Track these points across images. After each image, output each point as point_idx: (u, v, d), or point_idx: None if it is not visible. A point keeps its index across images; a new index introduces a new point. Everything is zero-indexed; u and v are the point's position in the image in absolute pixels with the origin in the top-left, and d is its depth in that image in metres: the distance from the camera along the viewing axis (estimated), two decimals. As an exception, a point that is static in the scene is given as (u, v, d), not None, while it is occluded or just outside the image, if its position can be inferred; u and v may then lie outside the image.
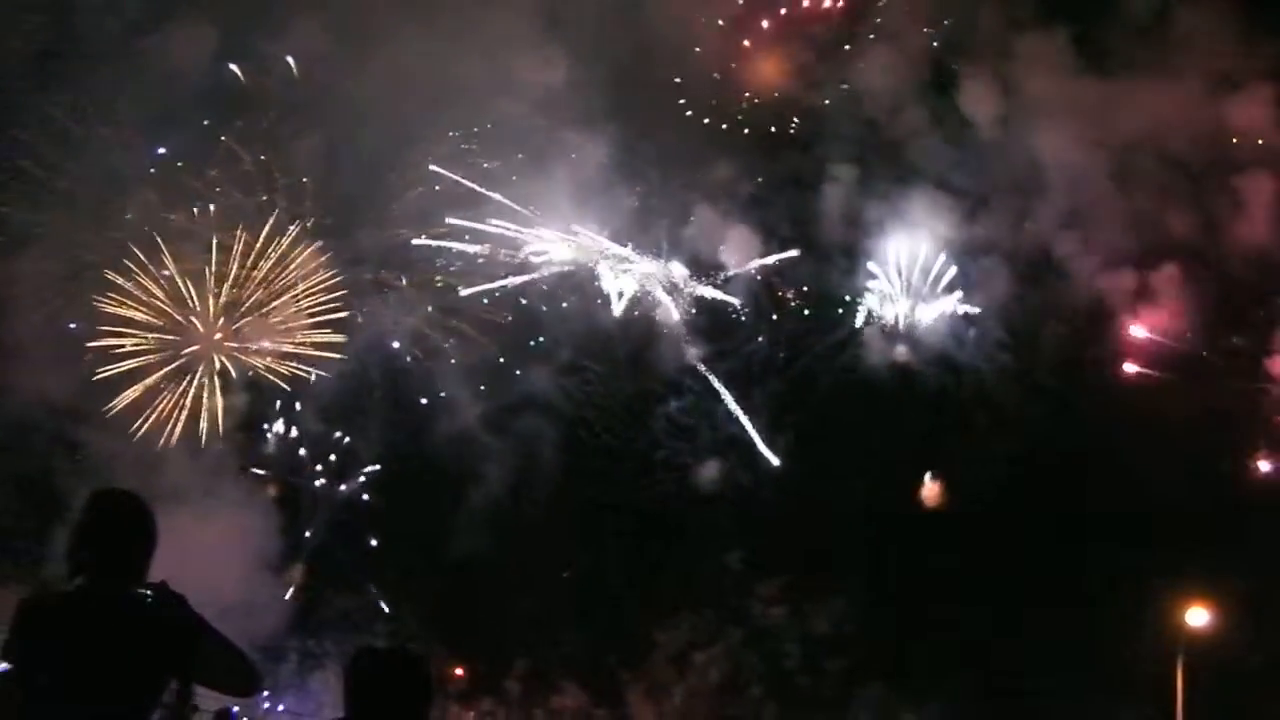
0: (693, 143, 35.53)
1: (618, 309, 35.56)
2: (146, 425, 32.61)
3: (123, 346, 32.53)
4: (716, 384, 35.96)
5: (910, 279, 35.57)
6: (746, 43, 36.22)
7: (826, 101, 35.67)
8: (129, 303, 32.60)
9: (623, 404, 36.32)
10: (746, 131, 35.95)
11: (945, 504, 35.34)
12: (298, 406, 35.11)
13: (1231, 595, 30.34)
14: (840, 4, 35.85)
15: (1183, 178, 33.31)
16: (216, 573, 25.30)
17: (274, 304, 33.71)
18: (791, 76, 36.01)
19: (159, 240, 32.63)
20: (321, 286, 33.74)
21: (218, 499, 31.41)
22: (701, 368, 36.02)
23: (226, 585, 26.28)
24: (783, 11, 35.98)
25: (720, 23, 35.99)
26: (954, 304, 35.43)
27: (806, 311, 36.74)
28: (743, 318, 36.38)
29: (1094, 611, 31.58)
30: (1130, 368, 34.57)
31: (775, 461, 35.86)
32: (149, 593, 6.17)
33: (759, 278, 36.19)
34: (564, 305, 35.71)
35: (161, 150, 33.19)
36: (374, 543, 36.05)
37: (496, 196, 34.27)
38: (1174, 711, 29.66)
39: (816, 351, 36.26)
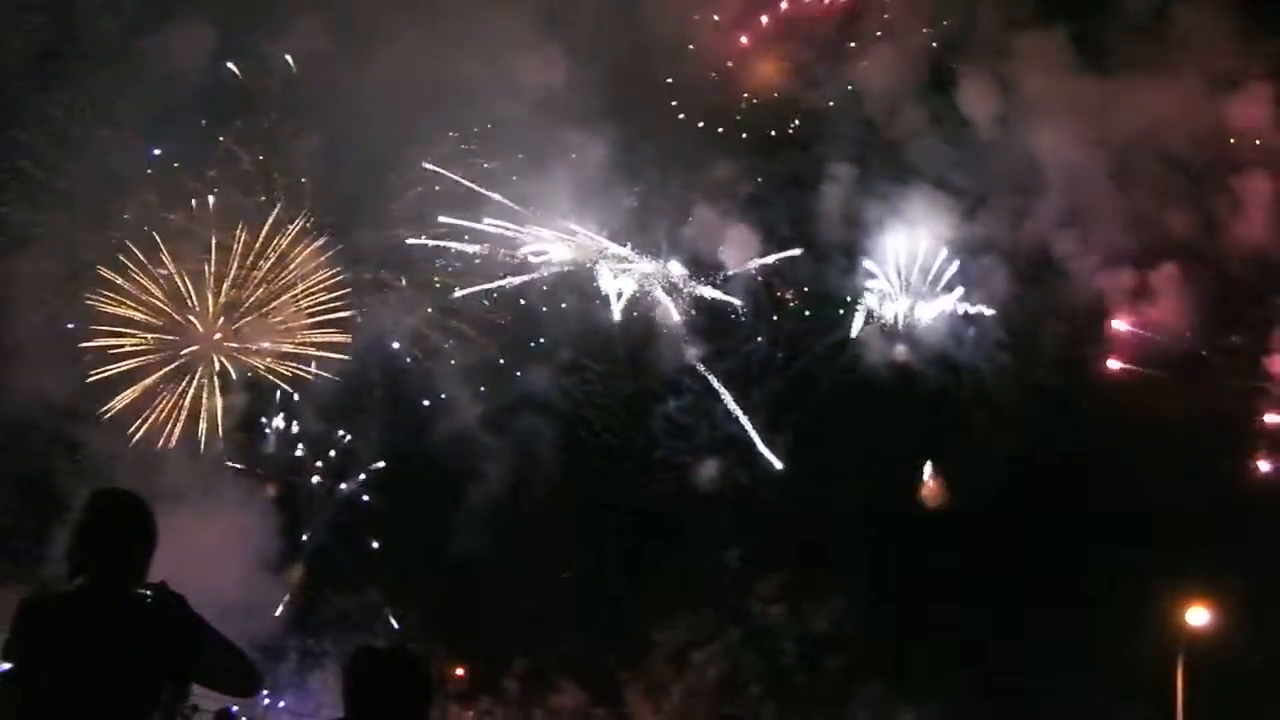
0: (692, 142, 35.57)
1: (617, 309, 35.58)
2: (146, 426, 32.63)
3: (122, 346, 32.54)
4: (715, 384, 35.99)
5: (909, 278, 35.60)
6: (744, 40, 36.24)
7: (830, 103, 35.71)
8: (128, 303, 32.62)
9: (622, 403, 36.35)
10: (745, 131, 35.98)
11: (945, 503, 35.32)
12: (296, 403, 35.13)
13: (1231, 595, 30.32)
14: (840, 3, 35.87)
15: (1181, 177, 33.35)
16: (216, 573, 25.31)
17: (274, 304, 33.73)
18: (791, 76, 36.04)
19: (158, 240, 32.65)
20: (321, 286, 33.77)
21: (217, 499, 31.41)
22: (700, 367, 36.05)
23: (226, 585, 26.29)
24: (783, 6, 36.00)
25: (717, 18, 36.04)
26: (953, 303, 35.43)
27: (807, 313, 36.74)
28: (743, 319, 36.41)
29: (1094, 611, 31.57)
30: (1114, 364, 34.61)
31: (778, 465, 35.89)
32: (149, 593, 6.17)
33: (759, 278, 36.24)
34: (562, 306, 35.75)
35: (161, 150, 33.21)
36: (373, 542, 36.04)
37: (496, 197, 34.31)
38: (1174, 711, 29.64)
39: (815, 351, 36.28)
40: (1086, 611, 31.55)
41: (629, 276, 35.63)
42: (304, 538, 35.44)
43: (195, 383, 33.29)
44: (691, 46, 35.64)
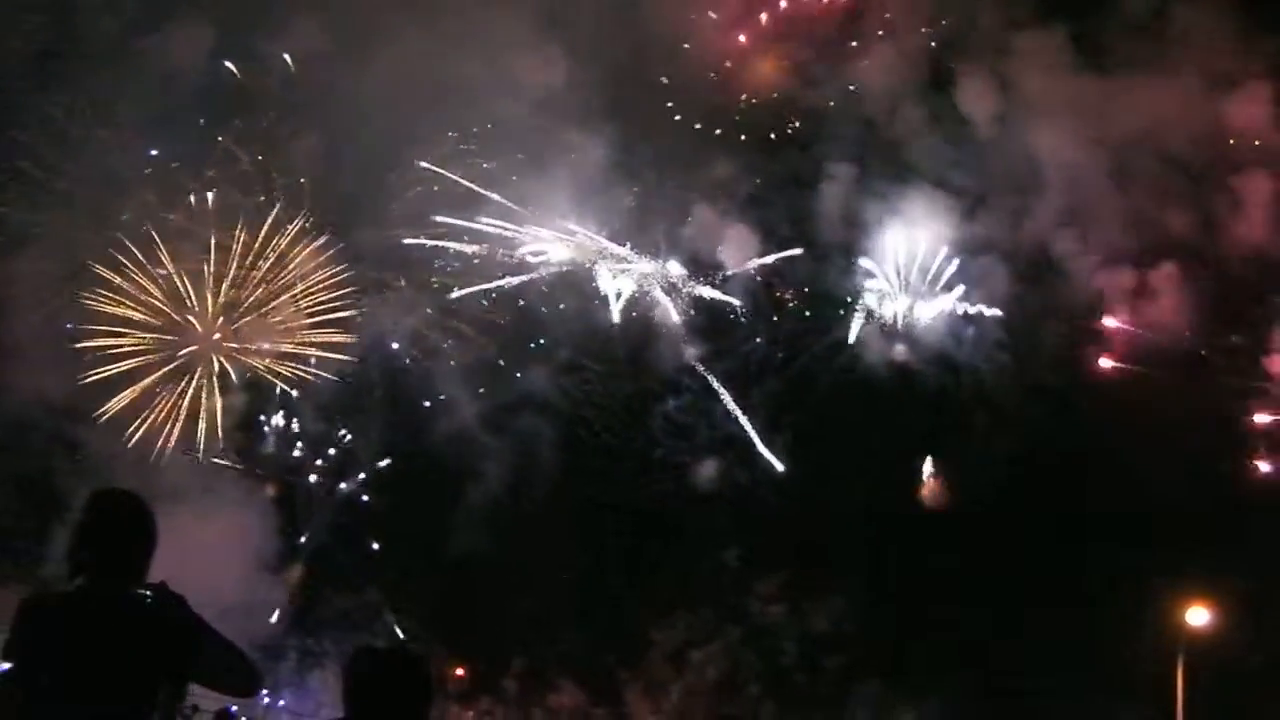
0: (691, 142, 35.57)
1: (616, 309, 35.58)
2: (145, 426, 32.63)
3: (121, 347, 32.53)
4: (715, 384, 35.99)
5: (909, 277, 35.60)
6: (743, 39, 36.23)
7: (830, 103, 35.69)
8: (127, 303, 32.61)
9: (621, 403, 36.34)
10: (744, 131, 35.98)
11: (945, 503, 35.32)
12: (296, 403, 35.13)
13: (1231, 595, 30.30)
14: (839, 2, 35.87)
15: (1181, 176, 33.36)
16: (216, 573, 25.32)
17: (273, 304, 33.73)
18: (790, 76, 36.04)
19: (157, 241, 32.64)
20: (321, 286, 33.77)
21: (217, 499, 31.41)
22: (700, 367, 36.05)
23: (226, 585, 26.29)
24: (782, 5, 36.00)
25: (714, 15, 36.02)
26: (953, 302, 35.43)
27: (808, 313, 36.73)
28: (742, 319, 36.41)
29: (1094, 611, 31.56)
30: (1106, 362, 34.64)
31: (780, 468, 35.90)
32: (149, 593, 6.16)
33: (758, 278, 36.25)
34: (560, 306, 35.75)
35: (160, 151, 33.18)
36: (373, 542, 36.04)
37: (495, 197, 34.31)
38: (1174, 711, 29.63)
39: (815, 351, 36.27)
40: (1086, 611, 31.54)
41: (628, 276, 35.65)
42: (302, 540, 35.46)
43: (194, 383, 33.31)
44: (691, 46, 35.64)
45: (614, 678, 36.33)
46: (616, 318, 35.66)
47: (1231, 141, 33.92)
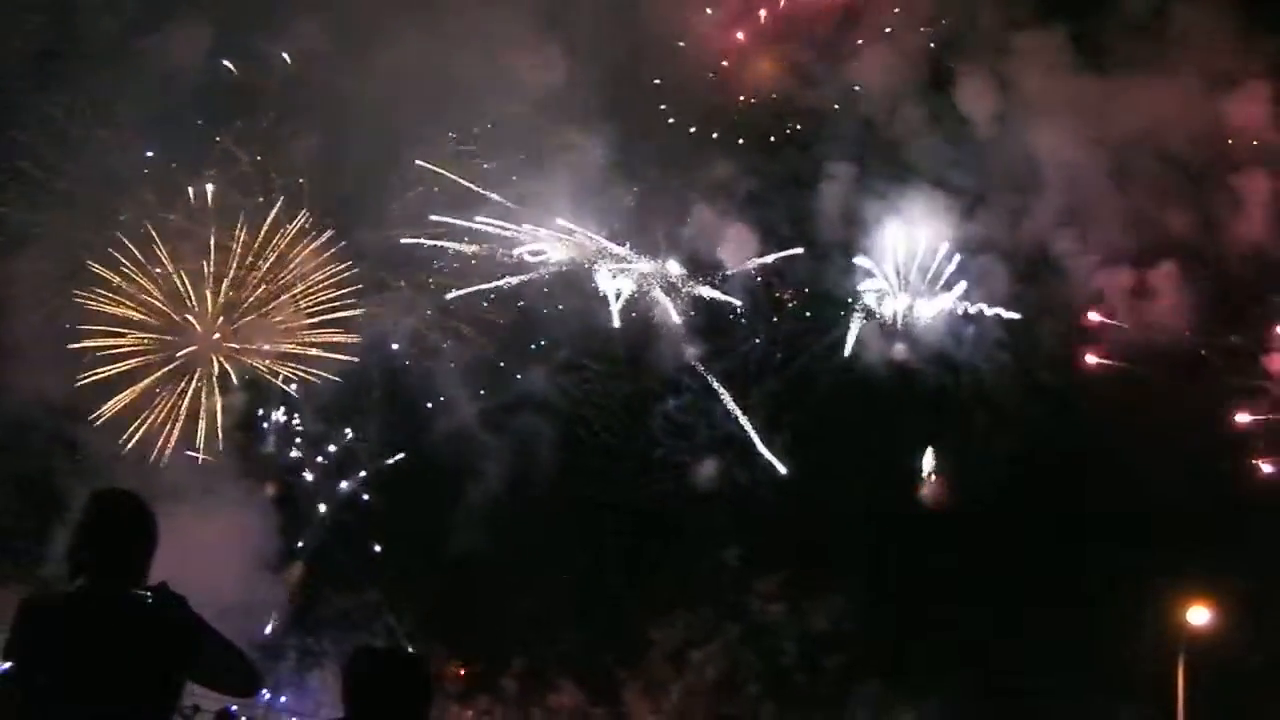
0: (690, 142, 35.57)
1: (615, 309, 35.58)
2: (145, 426, 32.63)
3: (121, 347, 32.53)
4: (714, 383, 36.00)
5: (908, 277, 35.60)
6: (742, 38, 36.21)
7: (829, 103, 35.67)
8: (127, 303, 32.61)
9: (621, 403, 36.34)
10: (744, 131, 35.98)
11: (944, 503, 35.32)
12: (296, 403, 35.14)
13: (1232, 595, 30.29)
14: (839, 1, 35.86)
15: (1180, 176, 33.36)
16: (216, 573, 25.31)
17: (273, 304, 33.74)
18: (789, 75, 36.02)
19: (156, 240, 32.64)
20: (321, 286, 33.77)
21: (217, 499, 31.41)
22: (699, 367, 36.05)
23: (226, 585, 26.29)
24: (781, 4, 36.00)
25: (710, 13, 35.99)
26: (952, 301, 35.43)
27: (807, 314, 36.73)
28: (743, 319, 36.41)
29: (1094, 611, 31.56)
30: (1092, 359, 34.67)
31: (782, 470, 35.90)
32: (149, 594, 6.16)
33: (757, 277, 36.24)
34: (559, 307, 35.76)
35: (159, 150, 33.18)
36: (372, 541, 36.05)
37: (494, 197, 34.30)
38: (1174, 711, 29.62)
39: (814, 350, 36.27)
40: (1086, 611, 31.54)
41: (627, 276, 35.65)
42: (300, 542, 35.45)
43: (194, 383, 33.31)
44: (689, 46, 35.61)
45: (613, 677, 36.32)
46: (616, 318, 35.68)
47: (1230, 141, 33.91)
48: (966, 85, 34.33)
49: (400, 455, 35.69)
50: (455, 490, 34.26)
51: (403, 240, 34.63)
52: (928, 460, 35.96)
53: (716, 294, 36.01)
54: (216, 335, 33.49)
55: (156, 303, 32.98)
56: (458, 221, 34.53)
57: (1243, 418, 33.76)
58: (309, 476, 35.93)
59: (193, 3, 32.28)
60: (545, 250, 35.11)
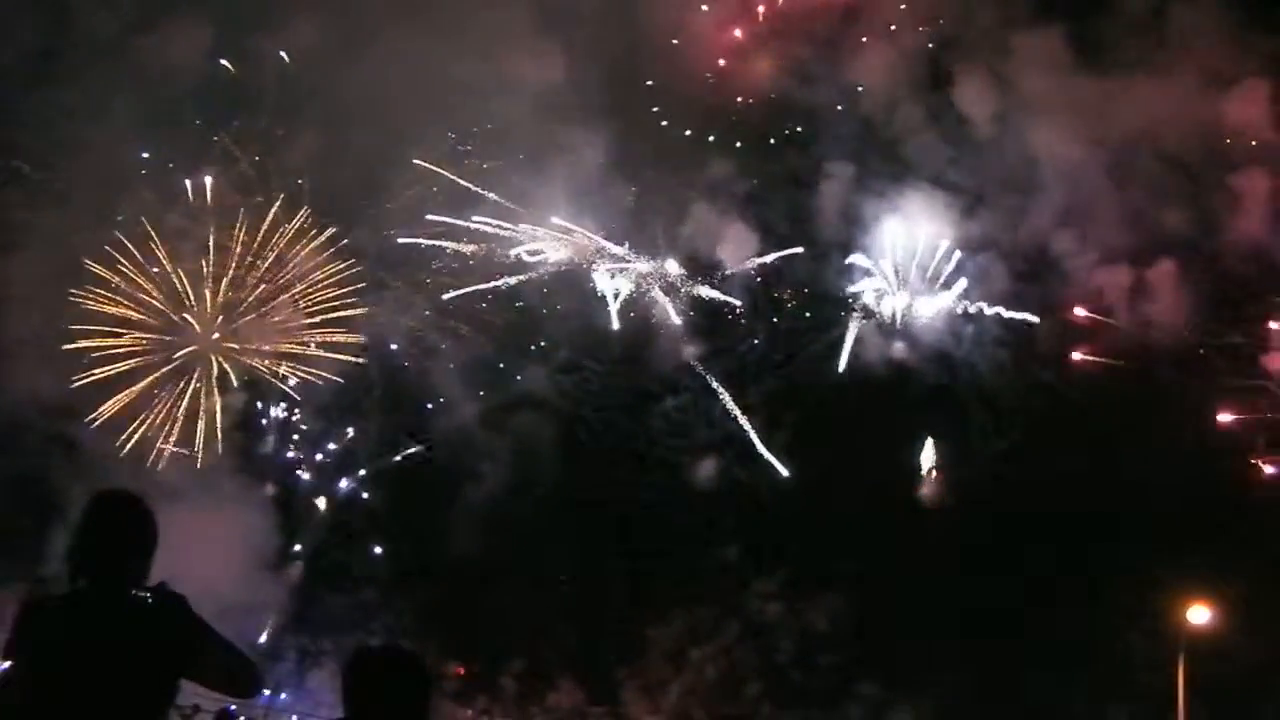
0: (689, 141, 35.57)
1: (614, 308, 35.59)
2: (144, 427, 32.62)
3: (119, 347, 32.51)
4: (713, 383, 35.99)
5: (907, 276, 35.60)
6: (740, 36, 36.20)
7: (831, 104, 35.68)
8: (125, 303, 32.60)
9: (620, 402, 36.33)
10: (742, 130, 35.98)
11: (944, 501, 35.33)
12: (295, 403, 35.16)
13: (1232, 595, 30.29)
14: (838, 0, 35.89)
15: (1178, 175, 33.37)
16: (215, 573, 25.30)
17: (272, 304, 33.73)
18: (788, 74, 36.03)
19: (155, 240, 32.64)
20: (320, 286, 33.77)
21: (216, 498, 31.40)
22: (698, 366, 36.05)
23: (226, 585, 26.28)
24: (779, 2, 35.99)
25: (705, 9, 35.98)
26: (951, 300, 35.44)
27: (807, 313, 36.73)
28: (742, 319, 36.41)
29: (1094, 611, 31.56)
30: (1078, 355, 34.71)
31: (785, 472, 35.90)
32: (149, 594, 6.16)
33: (756, 277, 36.25)
34: (558, 307, 35.77)
35: (158, 150, 33.17)
36: (371, 541, 36.05)
37: (492, 196, 34.31)
38: (1174, 711, 29.62)
39: (813, 349, 36.27)
40: (1086, 610, 31.55)
41: (626, 276, 35.65)
42: (298, 546, 35.44)
43: (193, 383, 33.30)
44: (688, 44, 35.62)
45: (612, 677, 36.30)
46: (615, 317, 35.69)
47: (1228, 142, 33.93)
48: (965, 84, 34.35)
49: (410, 449, 35.70)
50: (454, 490, 34.27)
51: (400, 240, 34.67)
52: (926, 458, 36.00)
53: (715, 293, 36.03)
54: (215, 335, 33.50)
55: (155, 302, 33.00)
56: (456, 221, 34.56)
57: (1242, 417, 33.77)
58: (308, 476, 35.94)
59: (191, 2, 32.28)
60: (544, 250, 35.13)
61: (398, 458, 35.87)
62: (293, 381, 34.21)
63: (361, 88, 31.53)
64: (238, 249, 33.20)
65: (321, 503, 36.06)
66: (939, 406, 35.65)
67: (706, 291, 35.93)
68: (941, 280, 35.45)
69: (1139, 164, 33.27)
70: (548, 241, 35.05)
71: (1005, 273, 35.02)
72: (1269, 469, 33.85)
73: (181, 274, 33.10)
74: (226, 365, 33.59)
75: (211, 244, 33.08)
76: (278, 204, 33.42)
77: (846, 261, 35.83)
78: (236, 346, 33.71)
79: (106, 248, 32.52)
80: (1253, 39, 32.61)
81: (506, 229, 34.71)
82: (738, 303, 36.22)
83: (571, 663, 36.23)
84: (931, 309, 35.63)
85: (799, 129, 36.13)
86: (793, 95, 35.86)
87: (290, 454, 35.93)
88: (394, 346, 35.08)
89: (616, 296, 35.63)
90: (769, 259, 35.89)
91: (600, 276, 35.50)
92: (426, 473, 35.03)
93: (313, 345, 33.83)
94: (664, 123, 35.56)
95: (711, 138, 35.85)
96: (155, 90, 31.38)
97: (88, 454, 31.56)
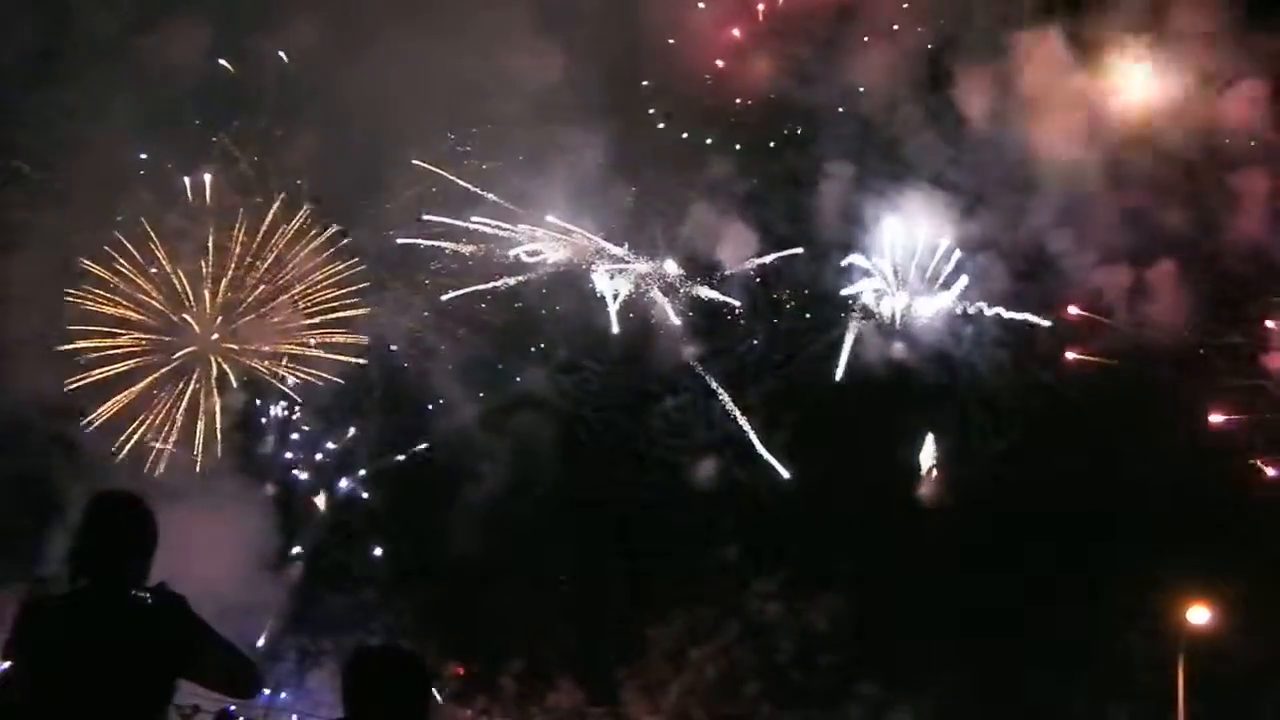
0: (688, 141, 35.58)
1: (614, 309, 35.60)
2: (144, 427, 32.62)
3: (119, 347, 32.51)
4: (713, 383, 36.00)
5: (906, 275, 35.60)
6: (738, 34, 36.19)
7: (831, 104, 35.67)
8: (124, 303, 32.59)
9: (619, 402, 36.33)
10: (742, 130, 35.98)
11: (943, 501, 35.33)
12: (295, 403, 35.16)
13: (1231, 595, 30.28)
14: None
15: (1177, 174, 33.37)
16: (215, 573, 25.30)
17: (272, 304, 33.73)
18: (787, 74, 36.03)
19: (154, 240, 32.63)
20: (319, 286, 33.76)
21: (215, 498, 31.40)
22: (698, 367, 36.05)
23: (225, 585, 26.28)
24: (779, 1, 35.99)
25: (703, 6, 35.96)
26: (951, 300, 35.44)
27: (806, 313, 36.73)
28: (741, 319, 36.41)
29: (1094, 610, 31.56)
30: (1071, 355, 34.71)
31: (785, 474, 35.90)
32: (149, 594, 6.16)
33: (756, 277, 36.25)
34: (557, 308, 35.77)
35: (157, 150, 33.16)
36: (371, 541, 36.05)
37: (491, 196, 34.31)
38: (1174, 711, 29.62)
39: (813, 350, 36.27)
40: (1086, 610, 31.55)
41: (625, 276, 35.66)
42: (298, 546, 35.43)
43: (192, 384, 33.30)
44: (687, 44, 35.62)
45: (612, 677, 36.30)
46: (614, 318, 35.69)
47: (1227, 142, 33.93)
48: (965, 84, 34.35)
49: (416, 447, 35.67)
50: (454, 490, 34.27)
51: (399, 240, 34.67)
52: (926, 458, 36.00)
53: (715, 294, 36.03)
54: (215, 335, 33.49)
55: (154, 303, 32.98)
56: (455, 221, 34.55)
57: (1242, 416, 33.77)
58: (307, 476, 35.94)
59: (191, 2, 32.27)
60: (543, 250, 35.13)
61: (398, 458, 35.87)
62: (292, 382, 34.23)
63: (361, 88, 31.53)
64: (237, 249, 33.23)
65: (321, 503, 36.07)
66: (938, 407, 35.67)
67: (706, 292, 35.94)
68: (941, 280, 35.47)
69: (1138, 164, 33.28)
70: (547, 242, 35.05)
71: (1004, 273, 35.05)
72: (1269, 469, 33.86)
73: (181, 274, 33.11)
74: (226, 366, 33.60)
75: (211, 244, 33.09)
76: (277, 204, 33.43)
77: (846, 262, 35.83)
78: (236, 347, 33.71)
79: (106, 248, 32.52)
80: (1252, 38, 32.63)
81: (506, 229, 34.72)
82: (737, 303, 36.25)
83: (571, 663, 36.21)
84: (931, 309, 35.65)
85: (798, 129, 36.14)
86: (792, 95, 35.86)
87: (290, 454, 35.95)
88: (393, 347, 35.09)
89: (616, 297, 35.64)
90: (768, 259, 35.91)
91: (599, 277, 35.53)
92: (426, 473, 35.04)
93: (312, 345, 33.83)
94: (663, 123, 35.61)
95: (710, 138, 35.87)
96: (155, 90, 31.38)
97: (87, 454, 31.57)
